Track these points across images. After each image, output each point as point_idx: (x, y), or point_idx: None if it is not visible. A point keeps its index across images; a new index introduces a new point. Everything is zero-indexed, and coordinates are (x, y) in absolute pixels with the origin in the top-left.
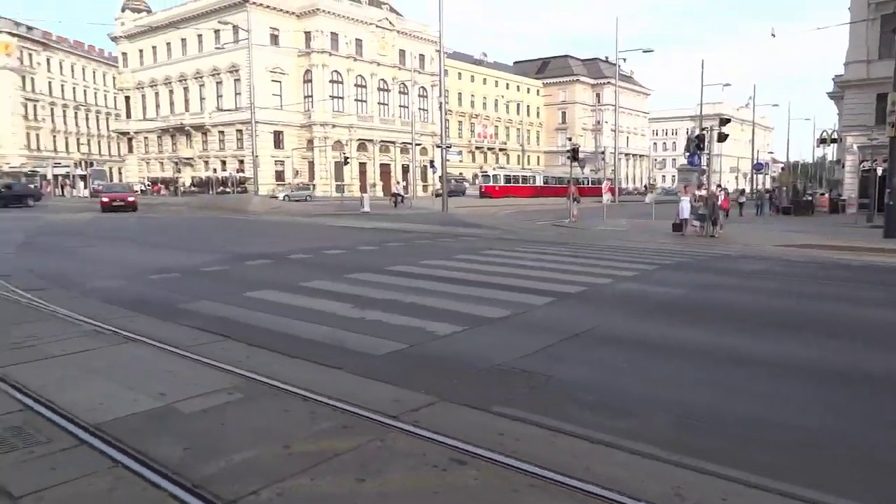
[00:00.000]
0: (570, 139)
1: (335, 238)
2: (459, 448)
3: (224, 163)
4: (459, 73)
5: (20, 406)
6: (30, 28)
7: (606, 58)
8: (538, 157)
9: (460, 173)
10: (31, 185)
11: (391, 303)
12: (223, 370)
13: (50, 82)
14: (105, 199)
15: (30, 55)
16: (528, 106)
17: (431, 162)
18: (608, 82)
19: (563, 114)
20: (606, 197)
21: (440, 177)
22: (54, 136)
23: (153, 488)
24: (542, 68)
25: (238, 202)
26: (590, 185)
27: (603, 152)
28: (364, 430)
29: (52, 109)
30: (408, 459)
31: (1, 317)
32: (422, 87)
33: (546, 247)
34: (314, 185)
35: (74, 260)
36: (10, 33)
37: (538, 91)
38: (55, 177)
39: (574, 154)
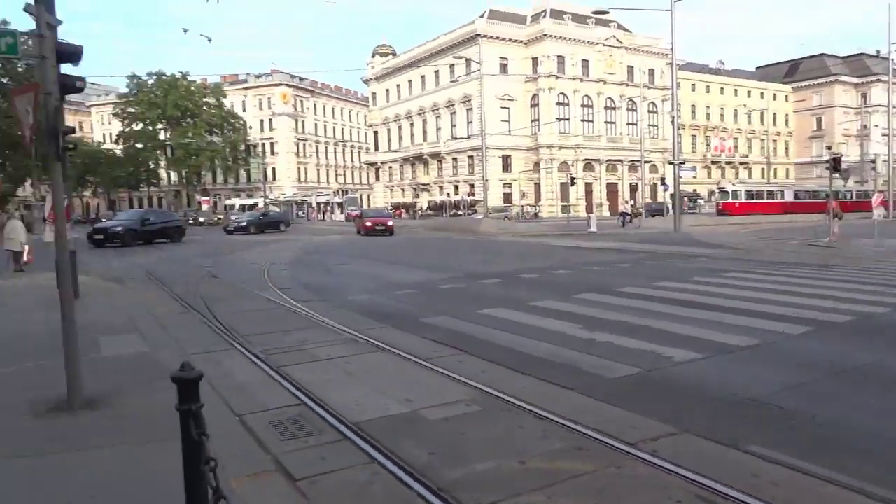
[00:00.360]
0: (828, 147)
1: (562, 258)
2: (706, 485)
3: (456, 187)
4: (693, 85)
5: (297, 401)
6: (301, 79)
7: (878, 52)
8: (787, 170)
9: (694, 190)
10: (284, 213)
11: (622, 325)
12: (462, 382)
13: (315, 123)
14: (368, 224)
15: (301, 101)
16: (773, 114)
17: (662, 179)
18: (877, 80)
19: (819, 120)
20: (878, 212)
21: (671, 194)
22: (318, 169)
23: (404, 487)
24: (790, 71)
25: (469, 223)
26: (854, 200)
27: (873, 161)
28: (599, 454)
29: (316, 146)
30: (648, 490)
31: (282, 324)
32: (651, 102)
33: (800, 269)
34: (538, 207)
35: (333, 276)
36: (287, 85)
37: (786, 97)
38: (318, 204)
39: (835, 164)
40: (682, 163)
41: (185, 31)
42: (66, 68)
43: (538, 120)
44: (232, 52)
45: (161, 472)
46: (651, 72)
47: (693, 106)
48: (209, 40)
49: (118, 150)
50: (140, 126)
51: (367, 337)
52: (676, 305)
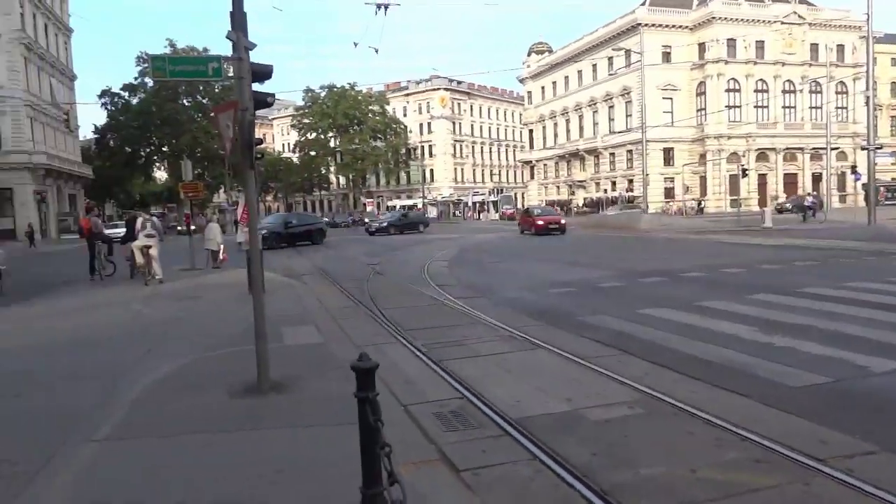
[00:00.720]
0: None
1: (732, 255)
2: None
3: (614, 183)
4: (893, 59)
5: (458, 394)
6: (459, 82)
7: None
8: None
9: (893, 178)
10: (420, 213)
11: (805, 329)
12: (623, 384)
13: (472, 125)
14: (540, 223)
15: (458, 104)
16: None
17: (853, 167)
18: None
19: None
20: None
21: (864, 184)
22: (473, 170)
23: (565, 486)
24: None
25: (629, 220)
26: None
27: None
28: (782, 469)
29: (472, 147)
30: None
31: (443, 319)
32: (840, 82)
33: None
34: (704, 201)
35: (490, 274)
36: (445, 89)
37: None
38: (473, 203)
39: None
40: (878, 148)
41: (356, 44)
42: (257, 86)
43: (704, 109)
44: (395, 61)
45: (337, 453)
46: (840, 48)
47: (893, 83)
48: (376, 51)
49: (295, 157)
50: (313, 135)
51: (525, 334)
52: (871, 308)
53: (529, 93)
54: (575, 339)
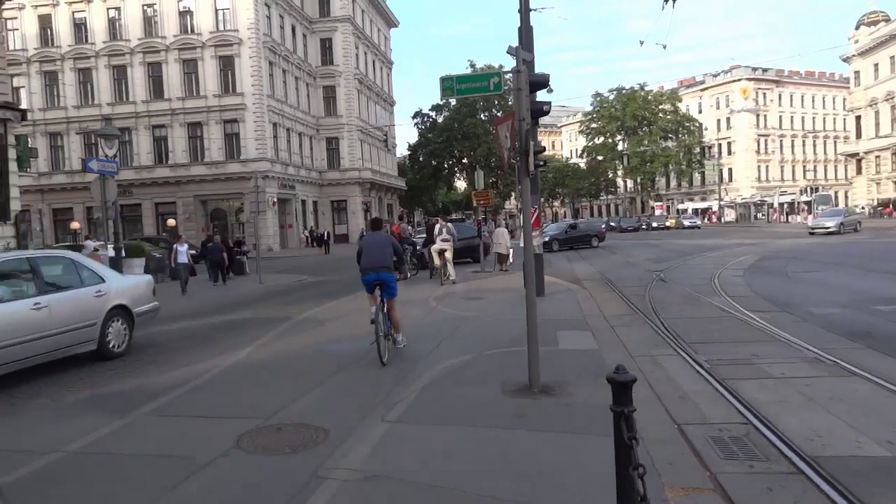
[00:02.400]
0: None
1: None
2: None
3: None
4: None
5: (742, 419)
6: (764, 70)
7: None
8: None
9: None
10: (593, 224)
11: None
12: None
13: (780, 116)
14: None
15: (763, 94)
16: None
17: None
18: None
19: None
20: None
21: None
22: (781, 167)
23: None
24: None
25: None
26: None
27: None
28: None
29: (780, 141)
30: None
31: (731, 334)
32: None
33: None
34: None
35: (793, 284)
36: (747, 79)
37: None
38: (780, 204)
39: None
40: None
41: (642, 43)
42: (542, 95)
43: None
44: (687, 56)
45: (600, 464)
46: None
47: None
48: (664, 47)
49: (582, 163)
50: (601, 139)
51: (836, 357)
52: None
53: (857, 73)
54: None
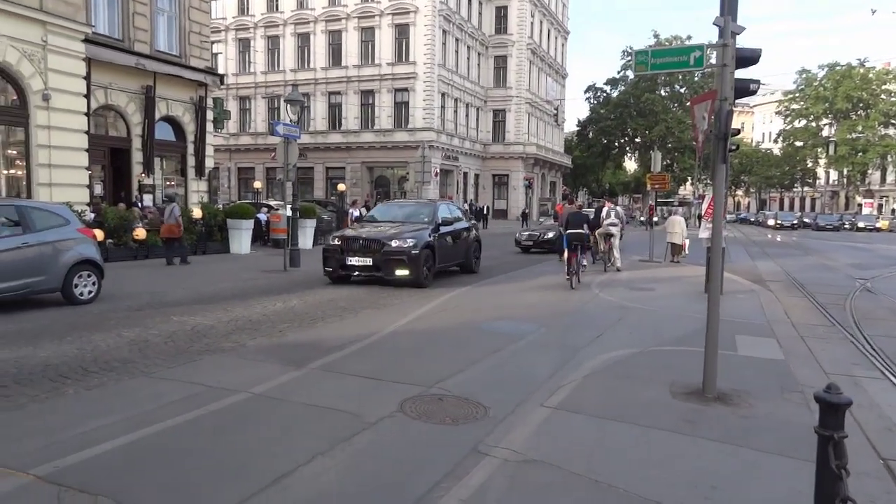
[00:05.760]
0: None
1: None
2: None
3: None
4: None
5: None
6: None
7: None
8: None
9: None
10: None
11: None
12: None
13: None
14: None
15: None
16: None
17: None
18: None
19: None
20: None
21: None
22: None
23: None
24: None
25: None
26: None
27: None
28: None
29: None
30: None
31: None
32: None
33: None
34: None
35: None
36: None
37: None
38: None
39: None
40: None
41: (874, 11)
42: (741, 72)
43: None
44: None
45: (783, 487)
46: None
47: None
48: None
49: (775, 149)
50: (802, 123)
51: None
52: None
53: None
54: None
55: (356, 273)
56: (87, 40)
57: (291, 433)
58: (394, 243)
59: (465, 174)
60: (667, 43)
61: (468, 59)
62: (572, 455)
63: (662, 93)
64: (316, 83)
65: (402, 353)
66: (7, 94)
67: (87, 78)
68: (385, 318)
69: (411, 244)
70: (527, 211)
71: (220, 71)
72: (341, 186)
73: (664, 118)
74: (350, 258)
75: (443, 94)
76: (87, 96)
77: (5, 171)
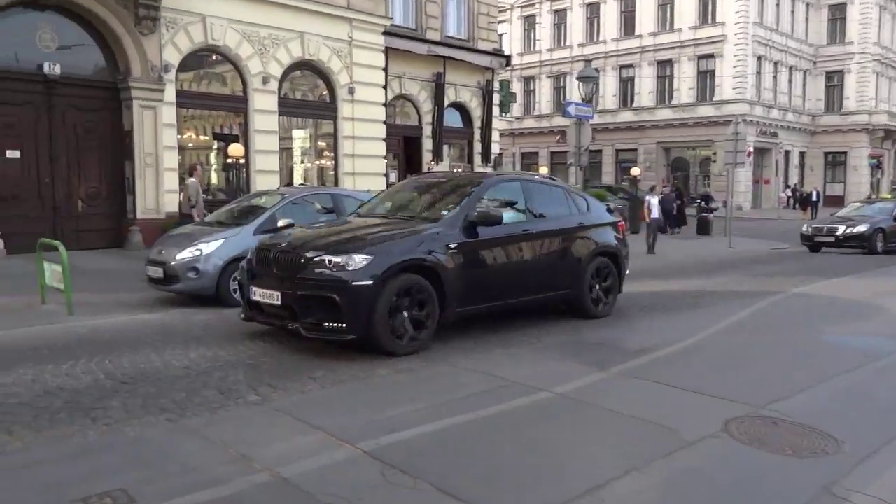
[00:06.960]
0: None
1: None
2: None
3: None
4: None
5: None
6: None
7: None
8: None
9: None
10: None
11: None
12: None
13: None
14: None
15: None
16: None
17: None
18: None
19: None
20: None
21: None
22: None
23: None
24: None
25: None
26: None
27: None
28: None
29: None
30: None
31: None
32: None
33: None
34: None
35: None
36: None
37: None
38: None
39: None
40: None
41: None
42: None
43: None
44: None
45: None
46: None
47: None
48: None
49: None
50: None
51: None
52: None
53: None
54: None
55: (261, 316)
56: (385, 32)
57: (600, 441)
58: (325, 259)
59: (787, 153)
60: None
61: (792, 11)
62: None
63: None
64: (606, 56)
65: (720, 363)
66: (318, 90)
67: (385, 69)
68: (701, 319)
69: (360, 265)
70: (873, 197)
71: (506, 52)
72: (634, 170)
73: None
74: (253, 287)
75: (758, 58)
76: (385, 87)
77: (317, 162)
